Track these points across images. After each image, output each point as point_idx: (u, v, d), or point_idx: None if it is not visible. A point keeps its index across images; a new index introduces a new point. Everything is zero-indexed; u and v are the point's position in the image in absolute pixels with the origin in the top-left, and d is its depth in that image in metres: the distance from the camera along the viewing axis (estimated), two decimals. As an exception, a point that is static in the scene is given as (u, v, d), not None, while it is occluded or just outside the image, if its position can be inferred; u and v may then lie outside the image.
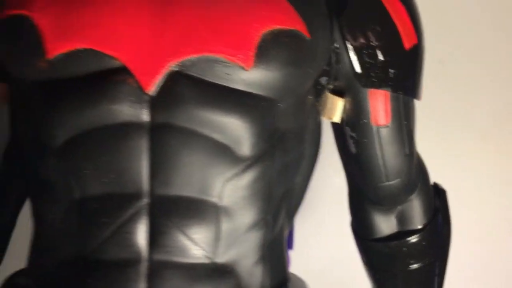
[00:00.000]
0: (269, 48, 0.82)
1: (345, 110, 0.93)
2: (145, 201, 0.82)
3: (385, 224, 1.03)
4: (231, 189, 0.84)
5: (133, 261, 0.82)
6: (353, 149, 0.95)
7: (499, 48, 1.48)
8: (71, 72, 0.81)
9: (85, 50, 0.81)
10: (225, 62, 0.81)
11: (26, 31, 0.82)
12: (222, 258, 0.84)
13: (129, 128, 0.81)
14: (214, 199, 0.83)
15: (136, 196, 0.82)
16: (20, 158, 0.91)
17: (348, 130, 0.94)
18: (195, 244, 0.83)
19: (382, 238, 1.04)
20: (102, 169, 0.82)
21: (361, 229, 1.06)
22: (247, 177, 0.84)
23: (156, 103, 0.81)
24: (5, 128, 0.95)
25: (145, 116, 0.81)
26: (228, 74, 0.81)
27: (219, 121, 0.82)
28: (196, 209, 0.83)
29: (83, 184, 0.83)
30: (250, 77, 0.82)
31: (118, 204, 0.82)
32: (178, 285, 0.83)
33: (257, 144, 0.83)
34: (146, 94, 0.81)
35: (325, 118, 0.96)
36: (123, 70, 0.81)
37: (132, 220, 0.82)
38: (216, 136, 0.82)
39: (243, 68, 0.81)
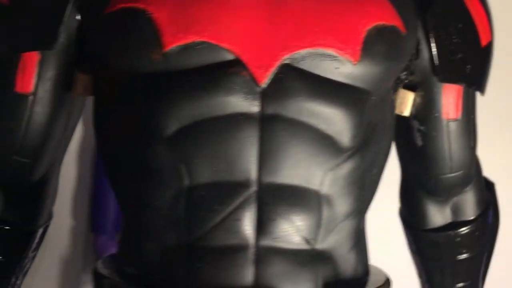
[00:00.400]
0: (374, 43, 0.88)
1: (414, 104, 0.99)
2: (253, 189, 0.87)
3: (440, 215, 1.10)
4: (331, 178, 0.89)
5: (241, 247, 0.87)
6: (419, 141, 1.02)
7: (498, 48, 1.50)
8: (185, 64, 0.86)
9: (201, 43, 0.85)
10: (334, 56, 0.87)
11: (142, 24, 0.86)
12: (321, 244, 0.90)
13: (241, 118, 0.86)
14: (316, 188, 0.89)
15: (245, 184, 0.87)
16: (109, 147, 0.95)
17: (416, 124, 1.01)
18: (298, 231, 0.88)
19: (435, 228, 1.10)
20: (212, 158, 0.86)
21: (414, 219, 1.13)
22: (346, 167, 0.90)
23: (267, 95, 0.86)
24: (77, 118, 1.01)
25: (256, 107, 0.86)
26: (336, 68, 0.87)
27: (326, 113, 0.87)
28: (300, 197, 0.88)
29: (193, 172, 0.87)
30: (355, 71, 0.88)
31: (228, 191, 0.87)
32: (282, 270, 0.88)
33: (357, 136, 0.89)
34: (259, 86, 0.86)
35: (397, 112, 1.00)
36: (237, 63, 0.86)
37: (241, 207, 0.87)
38: (322, 127, 0.87)
39: (351, 62, 0.87)
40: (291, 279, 0.89)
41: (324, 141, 0.88)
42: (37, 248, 1.06)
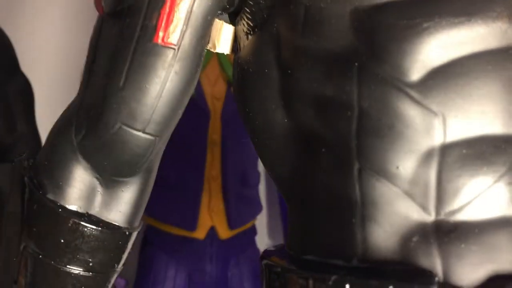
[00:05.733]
0: None
1: None
2: None
3: None
4: None
5: (509, 221, 0.67)
6: None
7: None
8: None
9: None
10: None
11: None
12: None
13: (509, 55, 0.68)
14: None
15: None
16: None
17: None
18: None
19: None
20: (474, 106, 0.68)
21: None
22: None
23: None
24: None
25: None
26: None
27: None
28: None
29: (449, 125, 0.68)
30: None
31: (495, 148, 0.68)
32: None
33: None
34: None
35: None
36: None
37: (511, 169, 0.68)
38: None
39: None
40: None
41: None
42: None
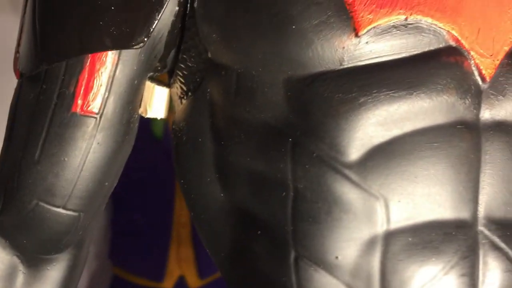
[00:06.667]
0: None
1: None
2: (477, 229, 0.63)
3: None
4: None
5: None
6: None
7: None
8: (381, 53, 0.61)
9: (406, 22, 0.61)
10: None
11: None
12: None
13: (457, 130, 0.62)
14: None
15: (465, 223, 0.63)
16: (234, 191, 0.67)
17: None
18: None
19: None
20: (420, 188, 0.62)
21: None
22: None
23: (490, 95, 0.63)
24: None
25: (475, 112, 0.63)
26: None
27: None
28: None
29: (392, 210, 0.62)
30: None
31: (445, 235, 0.63)
32: None
33: None
34: (484, 83, 0.63)
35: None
36: (456, 50, 0.62)
37: (463, 258, 0.63)
38: None
39: None
40: None
41: None
42: None
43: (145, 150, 1.47)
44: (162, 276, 1.61)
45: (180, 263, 1.63)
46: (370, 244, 0.62)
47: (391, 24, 0.61)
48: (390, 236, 0.62)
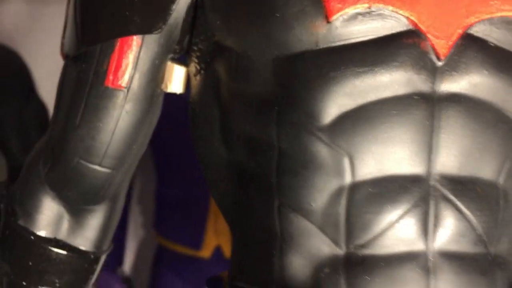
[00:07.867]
0: None
1: None
2: (428, 183, 0.74)
3: None
4: (509, 168, 0.77)
5: (411, 256, 0.74)
6: None
7: None
8: (350, 37, 0.73)
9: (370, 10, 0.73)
10: None
11: None
12: (496, 247, 0.77)
13: (414, 100, 0.73)
14: (493, 179, 0.76)
15: (419, 178, 0.74)
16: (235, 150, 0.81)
17: None
18: (476, 234, 0.75)
19: None
20: (380, 148, 0.73)
21: None
22: None
23: (445, 71, 0.73)
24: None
25: (430, 85, 0.73)
26: None
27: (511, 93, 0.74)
28: (479, 192, 0.75)
29: (357, 166, 0.74)
30: None
31: (399, 188, 0.74)
32: (461, 279, 0.75)
33: None
34: (439, 60, 0.73)
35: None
36: (414, 32, 0.73)
37: (415, 206, 0.74)
38: (506, 107, 0.75)
39: None
40: None
41: (505, 125, 0.75)
42: (97, 279, 0.91)
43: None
44: (201, 245, 1.71)
45: (217, 234, 1.71)
46: (337, 193, 0.75)
47: (357, 12, 0.73)
48: (354, 187, 0.74)
